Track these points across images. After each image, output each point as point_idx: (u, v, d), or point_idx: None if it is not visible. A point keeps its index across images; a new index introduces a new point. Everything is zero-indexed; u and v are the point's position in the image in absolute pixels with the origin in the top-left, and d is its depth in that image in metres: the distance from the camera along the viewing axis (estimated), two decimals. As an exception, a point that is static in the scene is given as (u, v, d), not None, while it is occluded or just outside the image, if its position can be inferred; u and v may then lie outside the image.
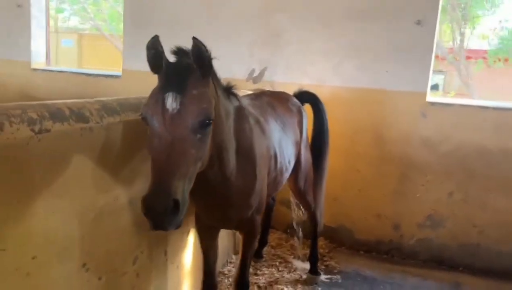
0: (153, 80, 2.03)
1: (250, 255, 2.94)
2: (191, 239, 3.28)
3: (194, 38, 1.90)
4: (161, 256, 2.86)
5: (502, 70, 16.03)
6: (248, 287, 2.95)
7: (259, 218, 2.78)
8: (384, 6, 4.54)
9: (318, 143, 3.92)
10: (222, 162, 2.30)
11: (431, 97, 4.61)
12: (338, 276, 4.21)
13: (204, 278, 2.95)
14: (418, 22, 4.44)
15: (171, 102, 1.84)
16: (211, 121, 1.90)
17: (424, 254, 4.73)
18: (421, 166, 4.62)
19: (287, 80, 4.96)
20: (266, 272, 4.15)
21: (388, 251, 4.84)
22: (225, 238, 4.05)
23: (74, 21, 19.59)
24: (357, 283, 4.12)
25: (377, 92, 4.66)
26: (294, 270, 4.23)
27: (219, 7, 5.20)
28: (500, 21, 14.98)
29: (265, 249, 4.51)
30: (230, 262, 4.25)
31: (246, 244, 2.86)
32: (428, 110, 4.54)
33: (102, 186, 2.18)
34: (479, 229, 4.53)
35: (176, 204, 1.69)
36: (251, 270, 4.07)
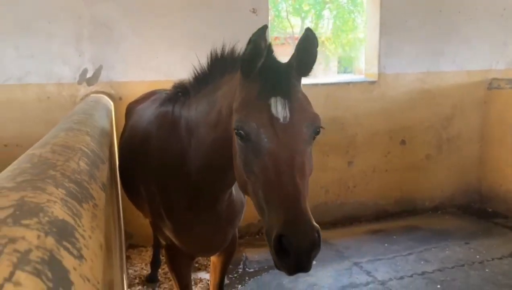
0: None
1: (225, 274, 2.62)
2: None
3: (308, 29, 1.51)
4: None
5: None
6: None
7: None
8: (220, -5, 4.54)
9: None
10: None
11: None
12: (240, 270, 4.17)
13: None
14: (254, 11, 4.66)
15: (281, 110, 1.43)
16: (321, 128, 1.56)
17: (287, 224, 5.16)
18: (273, 145, 4.96)
19: (130, 78, 4.37)
20: (174, 293, 3.71)
21: (258, 231, 5.05)
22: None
23: None
24: (261, 271, 4.18)
25: (225, 81, 4.67)
26: (200, 281, 3.93)
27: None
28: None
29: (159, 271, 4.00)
30: (131, 298, 3.60)
31: (227, 263, 2.53)
32: (272, 93, 4.88)
33: (112, 235, 1.52)
34: (325, 189, 5.28)
35: (319, 235, 1.33)
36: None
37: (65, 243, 0.60)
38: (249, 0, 4.62)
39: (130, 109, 3.10)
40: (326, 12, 19.88)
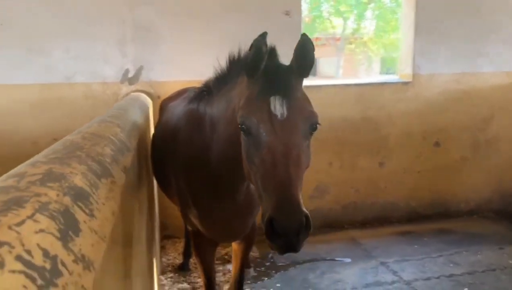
0: None
1: (246, 261, 2.79)
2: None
3: (303, 34, 1.68)
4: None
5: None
6: (245, 296, 2.80)
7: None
8: (254, -2, 4.71)
9: None
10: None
11: (304, 81, 5.04)
12: (268, 264, 4.32)
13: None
14: (287, 13, 4.79)
15: (279, 107, 1.59)
16: (318, 125, 1.71)
17: (317, 222, 5.24)
18: (304, 144, 5.06)
19: (167, 78, 4.63)
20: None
21: (288, 228, 5.17)
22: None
23: None
24: (288, 265, 4.31)
25: (258, 81, 4.83)
26: (229, 272, 4.12)
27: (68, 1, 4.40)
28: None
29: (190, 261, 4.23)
30: (163, 284, 3.83)
31: (247, 250, 2.70)
32: (304, 93, 4.99)
33: (140, 226, 1.72)
34: (355, 189, 5.32)
35: (307, 220, 1.49)
36: (187, 285, 3.82)
37: (79, 203, 0.77)
38: (282, 3, 4.76)
39: (164, 106, 3.34)
40: (368, 13, 19.63)
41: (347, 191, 5.30)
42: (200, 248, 2.56)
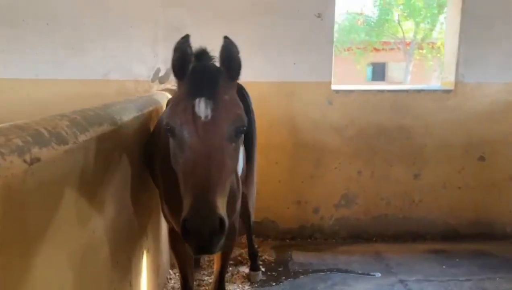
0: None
1: (228, 262, 2.79)
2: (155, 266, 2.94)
3: (225, 38, 1.69)
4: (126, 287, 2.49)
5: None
6: (226, 295, 2.79)
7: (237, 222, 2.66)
8: (285, 0, 4.67)
9: (247, 133, 3.85)
10: None
11: (335, 85, 4.91)
12: (280, 269, 4.26)
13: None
14: (319, 15, 4.69)
15: (203, 109, 1.59)
16: (245, 128, 1.69)
17: (343, 232, 5.08)
18: (332, 150, 4.92)
19: (196, 78, 4.73)
20: (210, 280, 3.95)
21: (311, 235, 5.06)
22: (163, 254, 3.73)
23: None
24: (300, 273, 4.21)
25: (287, 84, 4.79)
26: (237, 272, 4.12)
27: (106, 2, 4.67)
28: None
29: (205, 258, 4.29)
30: (170, 278, 3.93)
31: (226, 251, 2.68)
32: (334, 98, 4.85)
33: (83, 220, 1.78)
34: (386, 201, 5.05)
35: (222, 223, 1.47)
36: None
37: None
38: (314, 5, 4.65)
39: (168, 103, 3.43)
40: (442, 17, 18.50)
41: (377, 202, 5.06)
42: (174, 244, 2.60)
